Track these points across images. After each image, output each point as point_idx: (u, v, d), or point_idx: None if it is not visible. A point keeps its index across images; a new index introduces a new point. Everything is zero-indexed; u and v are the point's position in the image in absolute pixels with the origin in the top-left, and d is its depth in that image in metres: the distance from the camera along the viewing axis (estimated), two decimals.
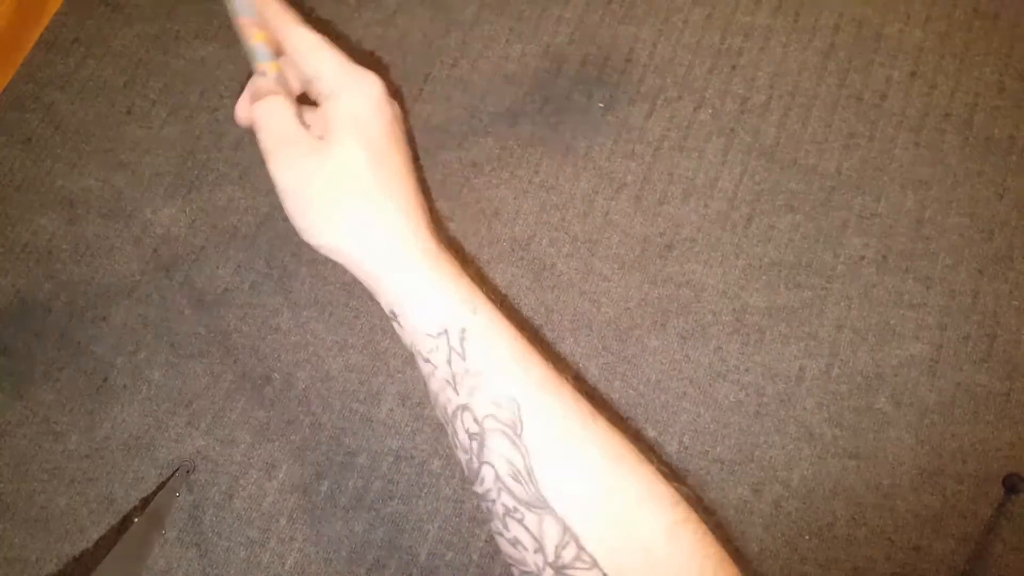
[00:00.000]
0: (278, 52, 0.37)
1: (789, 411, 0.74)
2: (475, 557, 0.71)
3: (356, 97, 0.34)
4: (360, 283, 0.36)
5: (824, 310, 0.78)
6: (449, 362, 0.34)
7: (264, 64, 0.36)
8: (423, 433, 0.75)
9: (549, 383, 0.35)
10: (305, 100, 0.38)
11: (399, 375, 0.77)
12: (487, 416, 0.33)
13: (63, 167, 0.87)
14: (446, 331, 0.34)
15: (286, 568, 0.72)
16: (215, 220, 0.84)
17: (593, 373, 0.76)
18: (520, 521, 0.33)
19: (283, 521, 0.73)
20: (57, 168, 0.87)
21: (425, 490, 0.73)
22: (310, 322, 0.79)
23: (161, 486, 0.74)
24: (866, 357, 0.76)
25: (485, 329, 0.34)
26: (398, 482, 0.74)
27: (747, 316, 0.77)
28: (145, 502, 0.74)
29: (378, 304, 0.36)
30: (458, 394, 0.34)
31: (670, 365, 0.76)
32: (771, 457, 0.73)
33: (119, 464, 0.76)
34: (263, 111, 0.34)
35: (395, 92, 0.88)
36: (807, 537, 0.71)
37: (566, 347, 0.77)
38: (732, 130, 0.84)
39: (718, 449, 0.74)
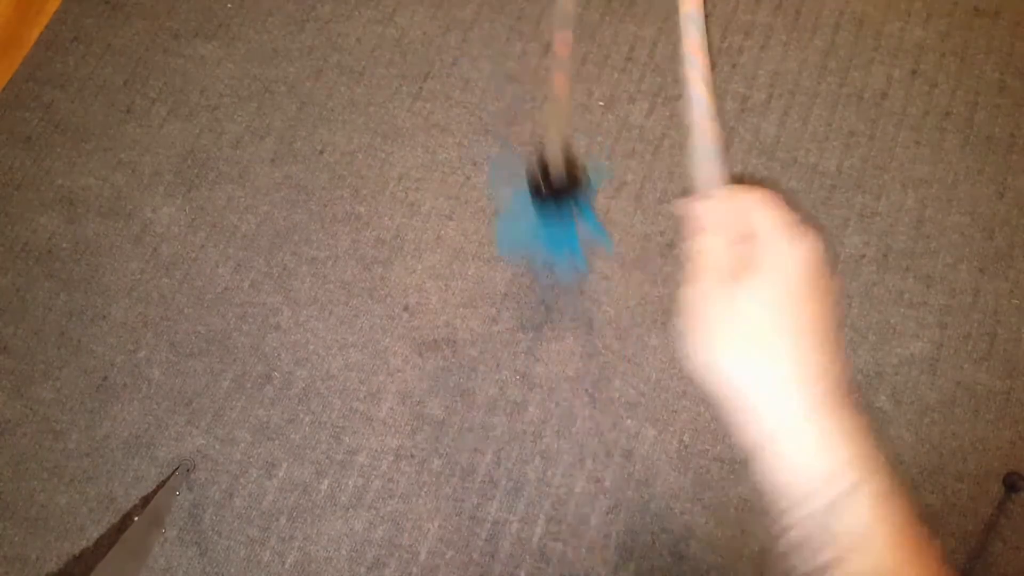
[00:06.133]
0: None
1: None
2: (475, 556, 0.71)
3: (784, 253, 0.36)
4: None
5: None
6: (804, 524, 0.33)
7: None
8: (423, 432, 0.75)
9: None
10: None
11: (399, 374, 0.77)
12: None
13: (63, 166, 0.87)
14: (807, 497, 0.33)
15: (286, 567, 0.72)
16: (215, 219, 0.84)
17: (593, 372, 0.76)
18: None
19: (283, 520, 0.73)
20: (57, 167, 0.87)
21: (425, 489, 0.73)
22: (310, 321, 0.79)
23: (161, 485, 0.74)
24: (866, 355, 0.76)
25: (857, 510, 0.33)
26: (398, 481, 0.74)
27: None
28: (145, 501, 0.74)
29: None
30: (807, 560, 0.33)
31: (670, 364, 0.76)
32: None
33: (119, 463, 0.76)
34: (703, 243, 0.39)
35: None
36: None
37: (566, 346, 0.77)
38: (733, 128, 0.84)
39: (718, 448, 0.73)
